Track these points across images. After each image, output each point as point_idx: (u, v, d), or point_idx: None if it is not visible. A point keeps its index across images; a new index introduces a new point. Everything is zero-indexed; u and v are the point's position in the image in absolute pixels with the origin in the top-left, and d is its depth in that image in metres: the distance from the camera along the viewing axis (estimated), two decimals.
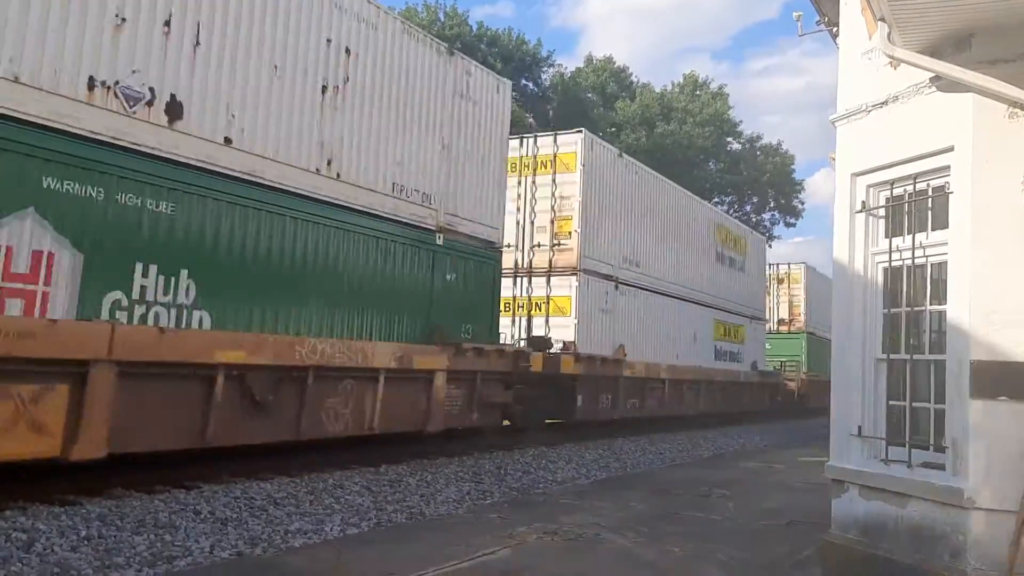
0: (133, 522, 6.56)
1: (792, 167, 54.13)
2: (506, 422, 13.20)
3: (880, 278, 5.62)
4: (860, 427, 5.52)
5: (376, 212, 10.62)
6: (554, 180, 16.36)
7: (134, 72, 7.76)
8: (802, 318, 32.92)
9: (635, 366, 17.67)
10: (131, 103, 7.72)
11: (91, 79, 7.40)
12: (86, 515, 6.63)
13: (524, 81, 42.55)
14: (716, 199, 47.83)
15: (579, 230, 16.10)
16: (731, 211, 51.61)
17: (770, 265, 33.39)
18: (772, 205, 54.73)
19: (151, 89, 7.92)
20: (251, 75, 8.98)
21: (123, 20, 7.68)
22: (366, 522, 7.33)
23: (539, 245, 16.33)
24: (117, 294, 7.56)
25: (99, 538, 6.05)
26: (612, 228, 17.44)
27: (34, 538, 5.86)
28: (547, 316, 16.03)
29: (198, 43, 8.39)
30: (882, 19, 4.85)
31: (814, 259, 44.69)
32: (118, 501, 7.23)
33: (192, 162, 8.27)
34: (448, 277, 11.88)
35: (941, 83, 4.99)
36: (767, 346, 29.20)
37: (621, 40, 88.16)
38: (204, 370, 8.03)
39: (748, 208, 54.04)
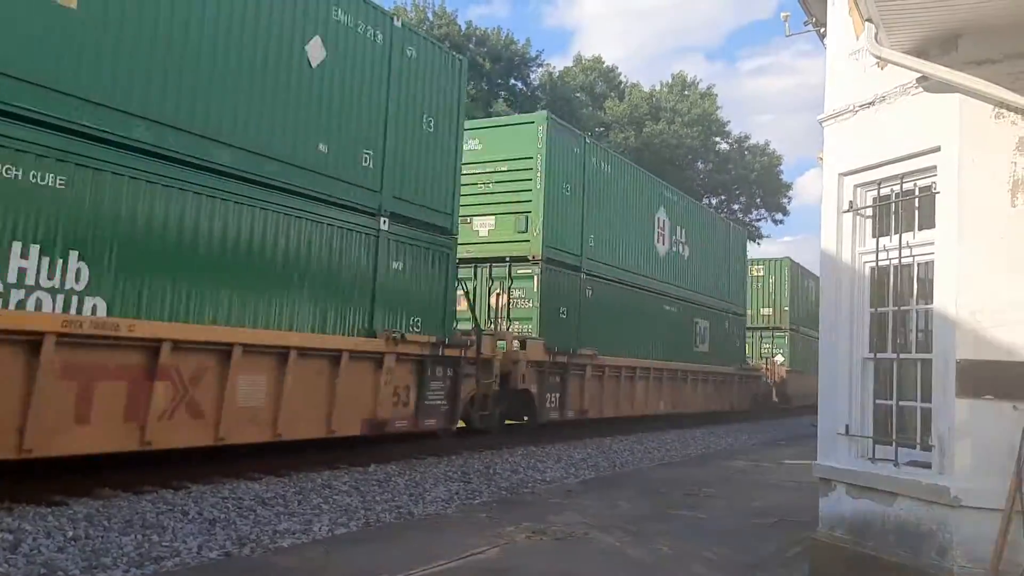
0: (120, 522, 6.53)
1: (779, 167, 54.48)
2: None
3: (867, 277, 5.65)
4: (847, 426, 5.54)
5: None
6: None
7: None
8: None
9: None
10: None
11: None
12: (73, 515, 6.59)
13: (513, 80, 42.53)
14: (704, 198, 47.93)
15: None
16: (719, 210, 51.79)
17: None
18: (760, 204, 54.97)
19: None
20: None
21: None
22: (355, 522, 7.31)
23: None
24: None
25: (86, 538, 6.01)
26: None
27: (20, 539, 5.81)
28: None
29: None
30: (869, 20, 4.87)
31: (803, 258, 44.74)
32: (105, 501, 7.19)
33: None
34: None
35: (928, 84, 5.01)
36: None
37: (616, 39, 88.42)
38: None
39: (736, 207, 54.26)
